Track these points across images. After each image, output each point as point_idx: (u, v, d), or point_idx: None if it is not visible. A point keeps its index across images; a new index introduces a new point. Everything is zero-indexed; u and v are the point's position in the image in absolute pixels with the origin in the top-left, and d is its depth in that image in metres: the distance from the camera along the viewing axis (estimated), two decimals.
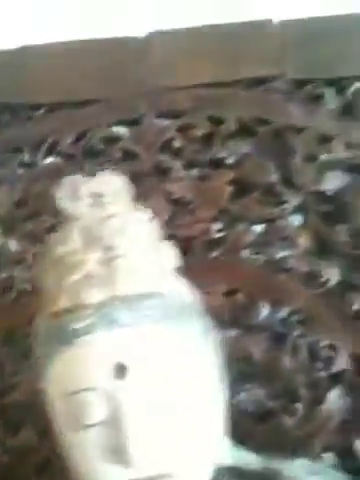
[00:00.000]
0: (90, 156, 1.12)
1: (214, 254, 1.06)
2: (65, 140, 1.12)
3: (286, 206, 1.06)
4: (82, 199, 0.63)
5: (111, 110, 1.13)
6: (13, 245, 1.09)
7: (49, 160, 1.13)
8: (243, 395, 0.99)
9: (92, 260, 0.58)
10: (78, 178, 0.66)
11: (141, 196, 1.02)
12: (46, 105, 1.13)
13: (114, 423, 0.54)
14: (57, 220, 0.71)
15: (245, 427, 0.98)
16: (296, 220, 1.07)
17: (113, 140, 1.12)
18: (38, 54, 1.13)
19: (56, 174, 1.08)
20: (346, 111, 1.10)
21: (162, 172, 1.10)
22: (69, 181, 0.65)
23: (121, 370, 0.54)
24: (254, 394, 1.00)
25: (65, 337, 0.56)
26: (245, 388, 1.00)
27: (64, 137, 1.12)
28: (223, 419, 0.66)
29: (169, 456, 0.56)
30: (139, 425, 0.54)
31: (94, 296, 0.56)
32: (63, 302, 0.57)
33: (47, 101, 1.13)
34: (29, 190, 1.10)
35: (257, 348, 1.01)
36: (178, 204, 1.09)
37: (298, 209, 1.07)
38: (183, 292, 0.64)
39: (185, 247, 1.06)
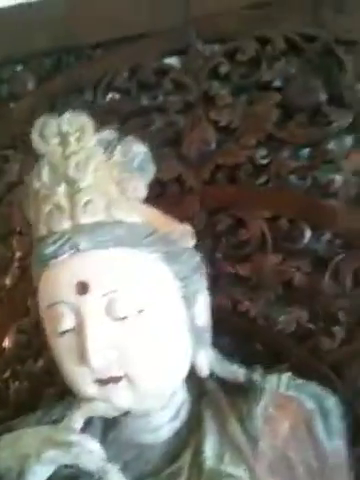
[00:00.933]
0: (144, 89, 1.16)
1: (260, 180, 1.06)
2: (121, 76, 1.17)
3: (334, 126, 1.00)
4: (50, 138, 0.70)
5: (161, 42, 1.14)
6: None
7: (108, 97, 1.19)
8: (284, 317, 1.02)
9: (59, 193, 0.65)
10: (48, 119, 0.72)
11: (189, 126, 1.08)
12: (103, 44, 1.18)
13: (79, 331, 0.63)
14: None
15: (284, 346, 1.02)
16: (346, 141, 1.01)
17: (164, 72, 1.14)
18: None
19: (115, 110, 1.17)
20: None
21: (210, 100, 1.10)
22: (40, 122, 0.72)
23: (83, 287, 0.63)
24: (295, 316, 1.02)
25: (42, 260, 0.66)
26: (286, 311, 1.02)
27: (120, 73, 1.17)
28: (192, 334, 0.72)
29: (124, 361, 0.64)
30: (98, 333, 0.63)
31: (61, 225, 0.64)
32: (41, 230, 0.67)
33: (104, 39, 1.18)
34: None
35: (299, 272, 1.02)
36: (225, 131, 1.09)
37: (348, 130, 1.01)
38: (145, 221, 0.69)
39: (232, 175, 1.08)
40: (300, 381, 0.77)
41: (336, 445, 0.67)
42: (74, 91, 1.20)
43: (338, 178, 1.00)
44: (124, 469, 0.66)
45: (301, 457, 0.65)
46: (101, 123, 1.11)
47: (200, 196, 1.09)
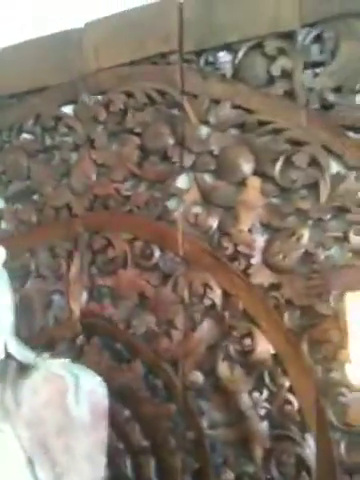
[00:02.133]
0: (46, 132, 1.39)
1: (124, 209, 1.27)
2: (28, 121, 1.41)
3: (178, 166, 1.21)
4: None
5: (59, 93, 1.37)
6: None
7: (21, 137, 1.43)
8: (136, 322, 1.22)
9: None
10: None
11: (74, 166, 1.30)
12: (16, 95, 1.43)
13: None
14: None
15: (137, 345, 1.23)
16: (186, 178, 1.21)
17: (60, 118, 1.37)
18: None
19: (25, 148, 1.41)
20: (236, 75, 1.18)
21: (92, 142, 1.32)
22: None
23: None
24: (146, 321, 1.22)
25: None
26: (139, 316, 1.23)
27: (28, 119, 1.41)
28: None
29: None
30: None
31: None
32: None
33: (16, 92, 1.42)
34: (5, 162, 1.43)
35: (149, 284, 1.22)
36: (101, 168, 1.31)
37: (189, 169, 1.21)
38: None
39: (105, 203, 1.30)
40: (72, 364, 0.95)
41: (81, 410, 0.86)
42: None
43: (180, 209, 1.20)
44: None
45: (52, 416, 0.84)
46: (15, 159, 1.35)
47: (83, 220, 1.32)
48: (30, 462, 0.80)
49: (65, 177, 1.35)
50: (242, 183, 1.14)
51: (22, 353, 0.91)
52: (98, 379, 0.90)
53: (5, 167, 1.43)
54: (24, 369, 0.89)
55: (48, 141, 1.39)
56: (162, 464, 1.18)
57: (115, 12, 1.28)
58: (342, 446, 1.03)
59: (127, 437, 1.21)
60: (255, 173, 1.14)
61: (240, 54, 1.16)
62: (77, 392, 0.84)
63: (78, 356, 1.28)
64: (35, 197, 1.40)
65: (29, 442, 0.80)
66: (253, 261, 1.12)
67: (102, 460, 0.85)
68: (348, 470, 1.02)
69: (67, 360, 0.92)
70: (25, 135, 1.43)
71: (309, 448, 1.05)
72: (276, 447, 1.08)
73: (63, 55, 1.34)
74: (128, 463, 1.21)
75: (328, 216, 1.07)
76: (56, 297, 1.34)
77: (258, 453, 1.09)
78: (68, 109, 1.37)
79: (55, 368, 0.87)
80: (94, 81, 1.32)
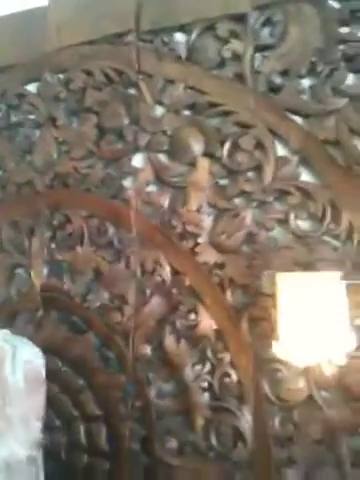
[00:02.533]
0: (11, 109, 1.41)
1: (82, 187, 1.29)
2: None
3: (132, 145, 1.23)
4: None
5: (23, 72, 1.39)
6: None
7: None
8: (91, 296, 1.26)
9: None
10: None
11: (36, 143, 1.32)
12: None
13: None
14: None
15: (91, 318, 1.27)
16: (141, 157, 1.23)
17: (23, 96, 1.39)
18: None
19: None
20: (189, 56, 1.18)
21: (53, 120, 1.34)
22: None
23: None
24: (100, 296, 1.26)
25: None
26: (94, 291, 1.27)
27: None
28: None
29: None
30: None
31: None
32: None
33: None
34: None
35: (104, 261, 1.26)
36: (62, 146, 1.33)
37: (144, 148, 1.23)
38: None
39: (65, 181, 1.33)
40: (12, 336, 0.99)
41: (17, 379, 0.90)
42: None
43: (133, 187, 1.22)
44: None
45: None
46: None
47: (44, 197, 1.35)
48: None
49: (28, 154, 1.38)
50: (192, 164, 1.17)
51: None
52: (36, 350, 0.95)
53: None
54: None
55: (13, 118, 1.41)
56: (112, 431, 1.23)
57: None
58: (276, 419, 1.07)
59: (81, 405, 1.27)
60: (205, 154, 1.16)
61: (193, 36, 1.17)
62: (14, 361, 0.89)
63: (38, 327, 1.33)
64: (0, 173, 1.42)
65: None
66: (200, 240, 1.15)
67: (37, 425, 0.90)
68: (281, 442, 1.07)
69: (7, 331, 0.96)
70: None
71: (246, 420, 1.10)
72: (215, 418, 1.12)
73: (28, 34, 1.35)
74: (82, 430, 1.27)
75: (271, 198, 1.09)
76: (19, 271, 1.38)
77: (199, 423, 1.14)
78: (32, 87, 1.39)
79: None
80: (56, 60, 1.33)
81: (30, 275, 1.35)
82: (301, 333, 0.91)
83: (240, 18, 1.12)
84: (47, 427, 1.24)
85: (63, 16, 1.30)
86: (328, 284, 0.90)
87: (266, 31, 1.11)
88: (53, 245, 1.33)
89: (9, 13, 1.37)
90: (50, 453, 1.22)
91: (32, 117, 1.38)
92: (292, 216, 1.07)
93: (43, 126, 1.36)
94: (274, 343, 0.95)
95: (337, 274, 0.90)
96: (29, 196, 1.37)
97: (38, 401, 0.91)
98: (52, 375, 1.27)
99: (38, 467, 0.89)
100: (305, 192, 1.06)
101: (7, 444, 0.84)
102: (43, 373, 0.94)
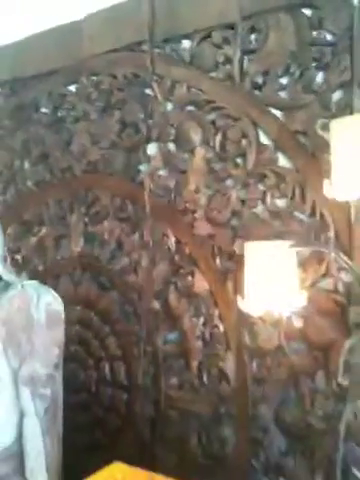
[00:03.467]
0: (58, 107, 1.69)
1: (108, 171, 1.55)
2: (44, 97, 1.72)
3: (145, 137, 1.46)
4: None
5: (65, 75, 1.66)
6: None
7: (42, 111, 1.74)
8: (114, 261, 1.53)
9: None
10: None
11: (75, 135, 1.60)
12: (30, 77, 1.73)
13: None
14: None
15: (113, 277, 1.54)
16: (154, 147, 1.46)
17: (65, 96, 1.66)
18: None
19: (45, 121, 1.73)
20: (192, 61, 1.39)
21: (87, 115, 1.61)
22: None
23: None
24: (121, 261, 1.52)
25: None
26: (118, 256, 1.53)
27: (43, 96, 1.72)
28: None
29: None
30: None
31: None
32: None
33: (36, 73, 1.72)
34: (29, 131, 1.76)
35: (123, 232, 1.52)
36: (94, 137, 1.59)
37: (155, 139, 1.46)
38: None
39: (95, 167, 1.59)
40: (39, 285, 1.25)
41: (40, 316, 1.16)
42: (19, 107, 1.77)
43: (147, 172, 1.46)
44: None
45: (20, 318, 1.14)
46: (35, 130, 1.67)
47: (80, 180, 1.62)
48: (4, 350, 1.14)
49: (69, 144, 1.66)
50: (192, 152, 1.38)
51: (7, 275, 1.24)
52: (56, 296, 1.22)
53: (28, 136, 1.76)
54: (6, 286, 1.22)
55: (59, 113, 1.69)
56: (129, 369, 1.50)
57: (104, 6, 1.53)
58: (253, 363, 1.28)
59: (107, 348, 1.55)
60: (202, 144, 1.36)
61: (195, 43, 1.37)
62: (38, 303, 1.17)
63: (76, 285, 1.62)
64: (49, 160, 1.72)
65: (4, 335, 1.14)
66: (197, 216, 1.37)
67: (56, 352, 1.18)
68: (257, 382, 1.28)
69: (36, 282, 1.25)
70: (43, 109, 1.74)
71: (230, 363, 1.32)
72: (206, 361, 1.36)
73: (67, 44, 1.62)
74: (107, 367, 1.56)
75: (252, 181, 1.28)
76: (62, 241, 1.68)
77: (194, 365, 1.37)
78: (72, 88, 1.66)
79: (26, 287, 1.20)
80: (89, 65, 1.59)
81: (70, 243, 1.65)
82: (261, 292, 1.11)
83: (231, 27, 1.30)
84: (81, 365, 1.56)
85: (94, 29, 1.55)
86: (283, 251, 1.09)
87: (252, 37, 1.28)
88: (86, 219, 1.61)
89: (54, 26, 1.64)
90: (82, 385, 1.53)
91: (72, 113, 1.65)
92: (269, 195, 1.26)
93: (79, 121, 1.62)
94: (240, 299, 1.15)
95: (288, 243, 1.08)
96: (69, 179, 1.65)
97: (57, 334, 1.19)
98: (86, 323, 1.58)
99: (56, 383, 1.18)
100: (279, 175, 1.24)
101: (32, 364, 1.13)
102: (62, 314, 1.21)
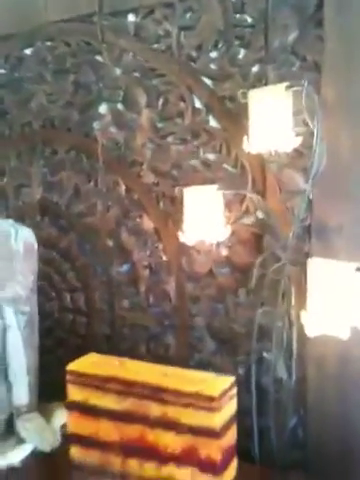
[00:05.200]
0: (14, 68, 1.87)
1: (64, 127, 1.78)
2: (1, 61, 1.89)
3: (98, 98, 1.70)
4: None
5: (21, 40, 1.84)
6: None
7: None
8: (73, 206, 1.79)
9: None
10: None
11: (32, 94, 1.79)
12: None
13: None
14: None
15: (72, 220, 1.80)
16: (105, 107, 1.70)
17: (22, 58, 1.85)
18: None
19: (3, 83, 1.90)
20: (136, 33, 1.62)
21: (41, 78, 1.81)
22: None
23: None
24: (78, 206, 1.78)
25: None
26: (74, 202, 1.79)
27: (0, 59, 1.88)
28: None
29: None
30: None
31: None
32: None
33: None
34: None
35: (80, 181, 1.77)
36: (50, 96, 1.80)
37: (106, 100, 1.69)
38: None
39: (52, 123, 1.81)
40: (15, 223, 1.51)
41: (18, 247, 1.43)
42: None
43: (99, 129, 1.70)
44: None
45: (1, 250, 1.41)
46: None
47: (39, 135, 1.84)
48: None
49: (28, 102, 1.85)
50: (138, 112, 1.63)
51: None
52: (30, 232, 1.48)
53: None
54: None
55: (15, 74, 1.87)
56: (88, 297, 1.79)
57: None
58: (190, 285, 1.61)
59: (68, 281, 1.83)
60: (147, 106, 1.62)
61: (139, 18, 1.60)
62: (16, 237, 1.42)
63: (37, 228, 1.87)
64: (8, 116, 1.91)
65: None
66: (143, 167, 1.64)
67: (31, 277, 1.45)
68: (192, 300, 1.61)
69: (11, 220, 1.50)
70: (1, 70, 1.91)
71: (171, 286, 1.63)
72: (152, 285, 1.67)
73: (24, 9, 1.79)
74: (68, 297, 1.84)
75: (189, 137, 1.56)
76: (24, 188, 1.90)
77: (142, 289, 1.68)
78: (28, 51, 1.84)
79: (5, 224, 1.45)
80: (44, 31, 1.77)
81: (31, 191, 1.87)
82: (196, 227, 1.41)
83: (170, 5, 1.54)
84: (46, 297, 1.82)
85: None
86: (211, 193, 1.39)
87: (187, 16, 1.53)
88: (45, 170, 1.84)
89: None
90: (47, 314, 1.81)
91: (29, 75, 1.84)
92: (202, 150, 1.55)
93: (33, 82, 1.82)
94: (180, 234, 1.45)
95: (216, 187, 1.39)
96: (28, 134, 1.86)
97: (32, 263, 1.45)
98: (48, 261, 1.83)
99: (32, 303, 1.46)
100: (210, 133, 1.53)
101: (13, 287, 1.40)
102: (35, 246, 1.47)
